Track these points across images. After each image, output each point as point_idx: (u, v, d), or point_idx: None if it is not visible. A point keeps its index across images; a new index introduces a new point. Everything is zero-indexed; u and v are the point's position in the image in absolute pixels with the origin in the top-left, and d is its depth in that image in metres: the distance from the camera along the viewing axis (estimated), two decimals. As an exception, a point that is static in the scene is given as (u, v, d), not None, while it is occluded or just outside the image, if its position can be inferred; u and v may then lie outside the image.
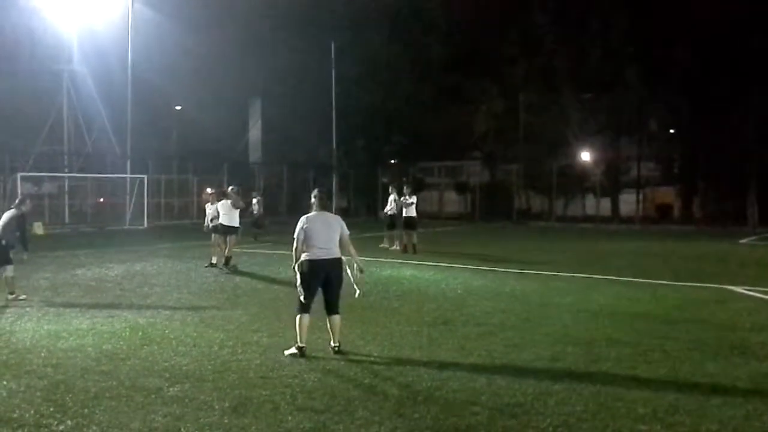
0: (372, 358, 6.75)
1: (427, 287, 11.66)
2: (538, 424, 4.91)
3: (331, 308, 6.98)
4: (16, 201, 10.57)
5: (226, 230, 14.02)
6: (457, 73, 38.38)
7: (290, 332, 7.83)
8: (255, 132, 45.39)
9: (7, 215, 10.06)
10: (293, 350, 6.86)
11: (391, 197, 18.63)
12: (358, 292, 7.21)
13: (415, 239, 17.59)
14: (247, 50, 37.07)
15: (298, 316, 6.93)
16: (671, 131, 36.91)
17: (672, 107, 34.18)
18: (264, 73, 38.73)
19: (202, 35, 35.45)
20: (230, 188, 14.88)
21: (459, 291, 11.18)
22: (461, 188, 42.28)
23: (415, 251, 17.11)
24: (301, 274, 6.85)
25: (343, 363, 6.57)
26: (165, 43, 32.90)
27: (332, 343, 6.97)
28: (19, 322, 8.42)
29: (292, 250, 6.96)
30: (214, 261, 14.22)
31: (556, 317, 8.88)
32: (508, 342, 7.44)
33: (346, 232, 7.11)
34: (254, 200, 21.65)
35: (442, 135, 40.18)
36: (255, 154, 44.50)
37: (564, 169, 36.51)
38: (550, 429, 4.81)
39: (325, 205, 7.15)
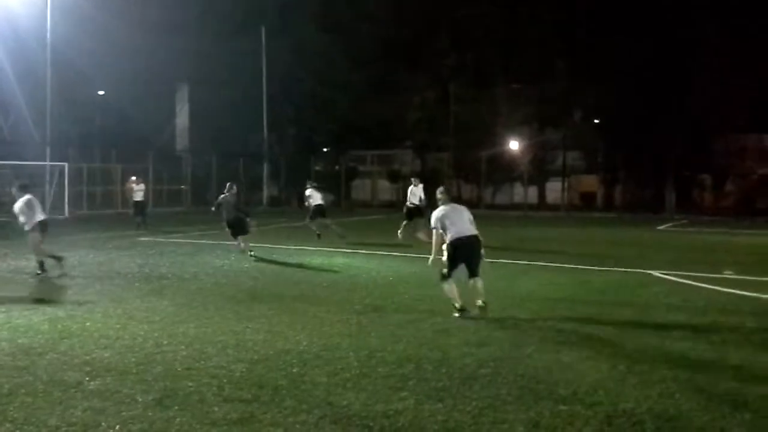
0: (301, 347, 6.70)
1: (358, 275, 11.68)
2: (464, 407, 5.00)
3: (474, 273, 8.14)
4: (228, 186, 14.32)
5: None
6: (390, 63, 38.47)
7: (218, 323, 7.73)
8: (182, 119, 44.26)
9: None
10: (458, 313, 7.99)
11: (413, 188, 18.35)
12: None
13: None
14: (174, 34, 35.97)
15: (445, 286, 8.14)
16: (595, 121, 38.18)
17: (596, 98, 35.31)
18: (191, 58, 37.71)
19: (126, 17, 34.26)
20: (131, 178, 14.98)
21: (390, 278, 11.26)
22: (393, 177, 42.55)
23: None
24: (449, 254, 8.08)
25: (271, 352, 6.50)
26: (87, 25, 31.56)
27: (479, 302, 8.03)
28: (-74, 317, 7.97)
29: (432, 240, 8.33)
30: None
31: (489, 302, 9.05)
32: (436, 327, 7.54)
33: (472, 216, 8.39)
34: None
35: (374, 124, 40.24)
36: (183, 142, 43.41)
37: (493, 157, 37.25)
38: (476, 412, 4.91)
39: (452, 198, 8.70)
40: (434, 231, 8.25)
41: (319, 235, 17.71)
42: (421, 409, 4.97)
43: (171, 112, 43.79)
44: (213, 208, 15.14)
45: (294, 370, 5.93)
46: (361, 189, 44.48)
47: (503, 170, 38.06)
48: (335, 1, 39.22)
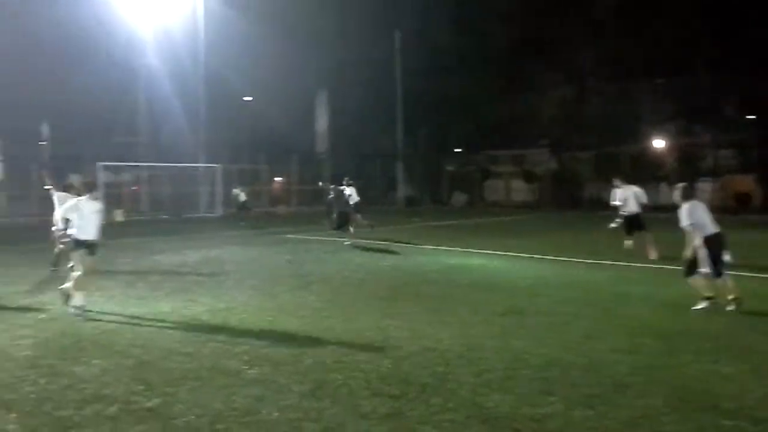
0: (444, 346, 6.77)
1: (497, 276, 11.59)
2: (616, 415, 4.85)
3: (721, 271, 8.30)
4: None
5: None
6: (524, 60, 37.74)
7: (363, 319, 7.98)
8: (322, 122, 45.89)
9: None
10: (704, 304, 8.30)
11: (626, 190, 14.11)
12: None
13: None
14: (314, 41, 37.47)
15: (691, 278, 8.50)
16: (749, 117, 35.25)
17: (750, 91, 32.58)
18: (330, 63, 39.09)
19: (270, 27, 36.00)
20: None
21: (529, 281, 11.07)
22: (528, 177, 41.71)
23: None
24: (708, 249, 8.25)
25: (415, 349, 6.62)
26: (235, 36, 33.63)
27: (730, 297, 8.28)
28: (107, 305, 8.85)
29: (689, 237, 8.39)
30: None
31: (631, 308, 8.69)
32: (581, 332, 7.33)
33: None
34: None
35: (508, 123, 39.66)
36: (322, 145, 45.05)
37: (636, 156, 35.47)
38: (630, 421, 4.74)
39: (694, 195, 8.75)
40: (689, 228, 8.36)
41: (372, 226, 19.02)
42: (570, 414, 4.87)
43: (312, 116, 45.56)
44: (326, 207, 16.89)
45: (439, 369, 6.01)
46: (494, 189, 43.98)
47: (647, 170, 36.13)
48: (468, 1, 39.06)
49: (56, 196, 11.03)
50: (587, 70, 37.04)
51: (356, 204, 18.96)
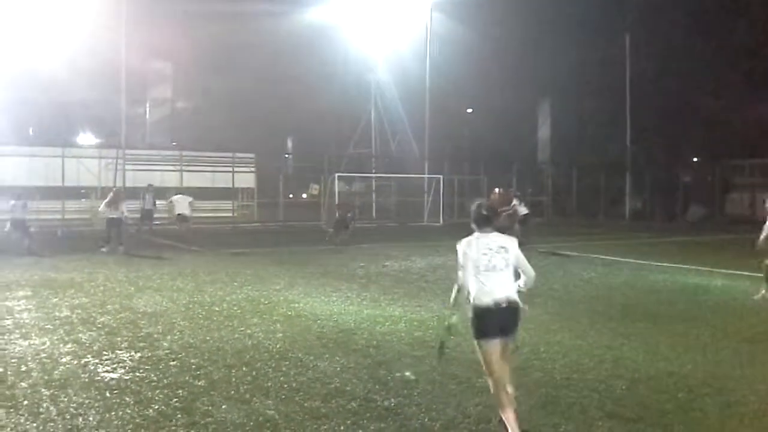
0: (686, 371, 6.30)
1: (743, 298, 10.48)
2: None
3: None
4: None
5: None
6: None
7: (592, 336, 7.71)
8: (544, 132, 45.07)
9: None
10: None
11: None
12: None
13: None
14: (537, 50, 37.00)
15: None
16: None
17: None
18: (553, 72, 38.28)
19: (491, 38, 36.29)
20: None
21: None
22: (780, 189, 37.05)
23: None
24: None
25: (652, 372, 6.25)
26: (457, 49, 34.39)
27: None
28: (344, 306, 9.55)
29: None
30: None
31: None
32: None
33: None
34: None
35: (755, 129, 35.60)
36: (544, 154, 44.23)
37: None
38: None
39: None
40: None
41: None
42: None
43: (533, 125, 44.97)
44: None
45: (680, 395, 5.62)
46: (737, 203, 39.70)
47: None
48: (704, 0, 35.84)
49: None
50: None
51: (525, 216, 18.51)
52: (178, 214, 19.37)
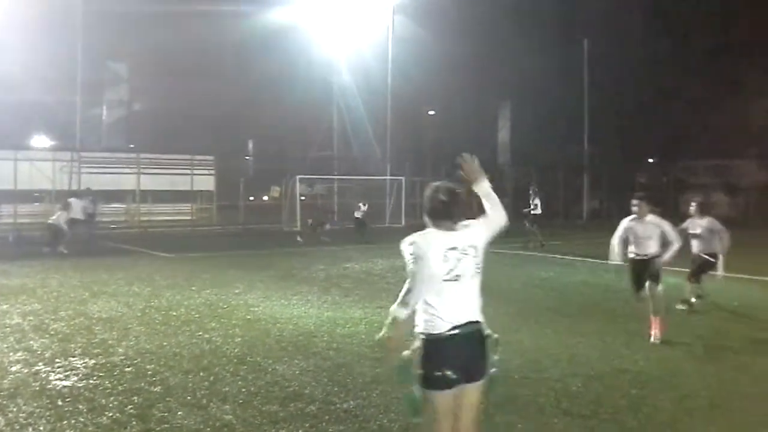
0: (639, 368, 6.44)
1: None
2: None
3: None
4: None
5: None
6: (730, 63, 34.66)
7: (550, 335, 7.82)
8: (504, 134, 45.57)
9: None
10: None
11: None
12: None
13: None
14: (497, 53, 37.37)
15: None
16: None
17: None
18: (513, 75, 38.75)
19: (453, 41, 36.52)
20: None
21: (735, 303, 10.15)
22: (731, 189, 38.14)
23: None
24: None
25: (607, 370, 6.37)
26: (419, 51, 34.53)
27: None
28: (303, 308, 9.50)
29: None
30: None
31: None
32: (801, 363, 6.61)
33: None
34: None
35: (709, 132, 36.60)
36: (504, 156, 44.71)
37: None
38: None
39: None
40: None
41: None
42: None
43: (494, 127, 45.42)
44: None
45: (633, 391, 5.74)
46: (691, 202, 40.71)
47: None
48: (663, 3, 36.72)
49: None
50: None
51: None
52: (71, 218, 18.16)
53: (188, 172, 28.51)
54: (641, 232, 7.76)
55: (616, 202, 39.85)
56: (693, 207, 10.03)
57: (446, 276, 3.42)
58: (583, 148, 38.87)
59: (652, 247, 7.74)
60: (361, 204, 23.59)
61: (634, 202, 7.91)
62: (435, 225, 3.57)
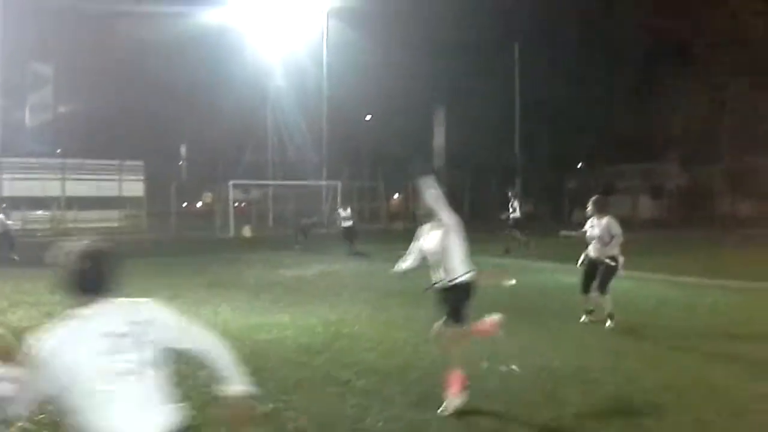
0: (556, 364, 6.68)
1: (617, 297, 11.14)
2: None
3: None
4: None
5: None
6: (653, 68, 36.10)
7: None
8: (439, 138, 46.12)
9: None
10: None
11: None
12: None
13: None
14: (430, 57, 37.84)
15: None
16: None
17: None
18: (447, 79, 39.30)
19: (388, 46, 36.81)
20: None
21: (652, 302, 10.62)
22: (656, 192, 39.76)
23: None
24: None
25: (525, 366, 6.58)
26: (355, 56, 34.68)
27: None
28: (230, 315, 9.43)
29: None
30: None
31: (763, 335, 8.13)
32: (701, 357, 7.00)
33: None
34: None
35: (634, 136, 38.03)
36: (440, 160, 45.25)
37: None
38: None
39: None
40: None
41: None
42: (682, 438, 4.69)
43: (430, 131, 45.92)
44: None
45: (548, 387, 5.95)
46: (619, 205, 42.16)
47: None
48: (590, 11, 37.89)
49: None
50: (724, 78, 34.82)
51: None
52: None
53: (116, 177, 27.79)
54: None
55: (547, 207, 41.07)
56: (590, 206, 9.14)
57: (103, 378, 2.41)
58: (515, 153, 39.78)
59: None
60: (341, 210, 20.84)
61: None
62: (82, 301, 2.55)
